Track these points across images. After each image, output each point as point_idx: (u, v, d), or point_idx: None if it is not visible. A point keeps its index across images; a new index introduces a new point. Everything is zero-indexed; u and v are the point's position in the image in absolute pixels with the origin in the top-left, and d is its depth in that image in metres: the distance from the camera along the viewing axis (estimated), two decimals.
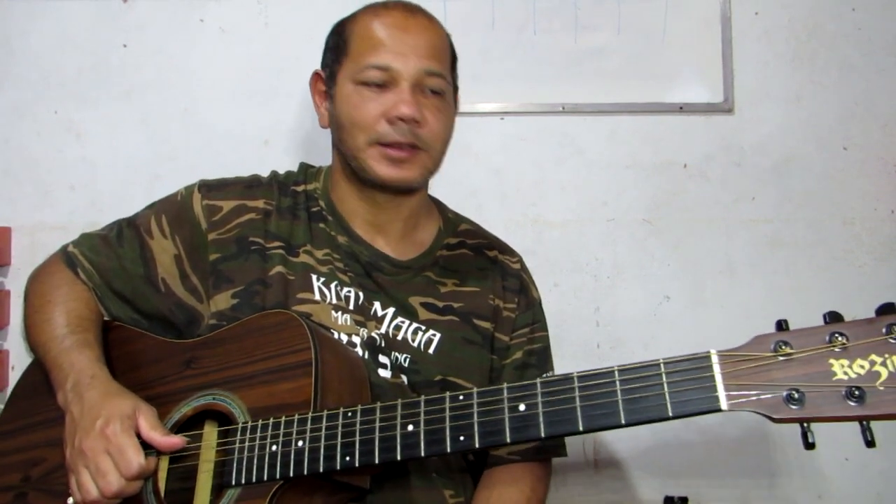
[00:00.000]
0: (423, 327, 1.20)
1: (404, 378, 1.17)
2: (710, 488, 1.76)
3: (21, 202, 1.76)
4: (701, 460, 1.77)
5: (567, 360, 1.61)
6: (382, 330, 1.18)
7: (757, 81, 1.81)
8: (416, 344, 1.19)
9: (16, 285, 1.71)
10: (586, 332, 1.78)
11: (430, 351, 1.19)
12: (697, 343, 1.73)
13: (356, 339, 1.15)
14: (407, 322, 1.19)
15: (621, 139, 1.80)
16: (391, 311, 1.19)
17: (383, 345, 1.17)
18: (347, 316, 1.16)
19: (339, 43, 1.20)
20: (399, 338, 1.18)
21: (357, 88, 1.15)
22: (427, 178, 1.20)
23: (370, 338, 1.16)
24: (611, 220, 1.80)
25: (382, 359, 1.16)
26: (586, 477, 1.76)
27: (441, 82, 1.16)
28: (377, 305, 1.19)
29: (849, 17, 1.82)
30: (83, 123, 1.77)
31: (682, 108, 1.80)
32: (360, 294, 1.18)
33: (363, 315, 1.18)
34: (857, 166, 1.81)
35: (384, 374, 1.16)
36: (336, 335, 1.14)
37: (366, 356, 1.15)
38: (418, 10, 1.19)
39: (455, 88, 1.25)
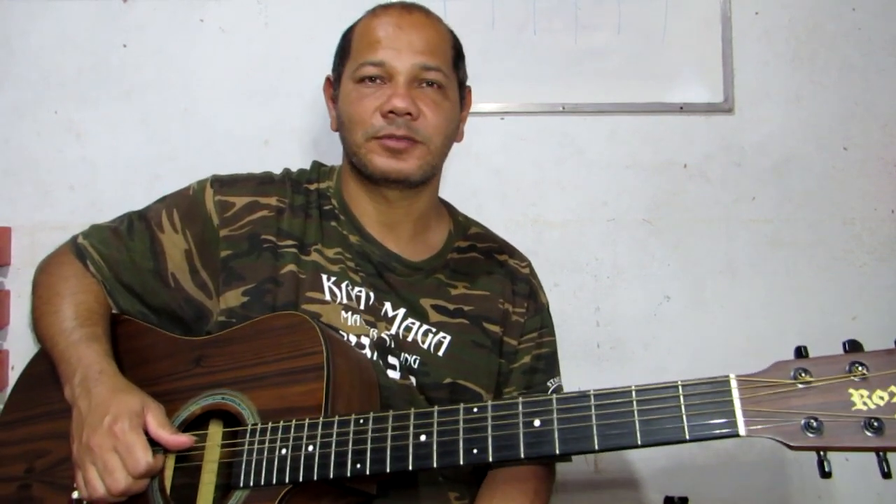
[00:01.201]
0: (434, 329, 1.19)
1: (413, 379, 1.17)
2: (710, 489, 1.75)
3: (21, 202, 1.76)
4: (701, 462, 1.77)
5: (567, 360, 1.60)
6: (392, 331, 1.18)
7: (757, 81, 1.81)
8: (425, 346, 1.18)
9: (16, 285, 1.71)
10: (586, 332, 1.78)
11: (440, 353, 1.19)
12: (698, 343, 1.76)
13: (365, 340, 1.15)
14: (417, 324, 1.19)
15: (621, 139, 1.80)
16: (402, 311, 1.19)
17: (393, 346, 1.17)
18: (357, 316, 1.16)
19: (343, 46, 1.22)
20: (409, 339, 1.18)
21: (356, 86, 1.16)
22: (428, 172, 1.19)
23: (380, 338, 1.16)
24: (611, 220, 1.80)
25: (392, 360, 1.16)
26: (587, 479, 1.76)
27: (438, 75, 1.16)
28: (388, 306, 1.19)
29: (849, 17, 1.82)
30: (83, 123, 1.77)
31: (683, 108, 1.80)
32: (371, 294, 1.18)
33: (373, 315, 1.17)
34: (857, 166, 1.81)
35: (393, 375, 1.15)
36: (345, 336, 1.14)
37: (375, 357, 1.14)
38: (416, 8, 1.20)
39: (461, 84, 1.25)
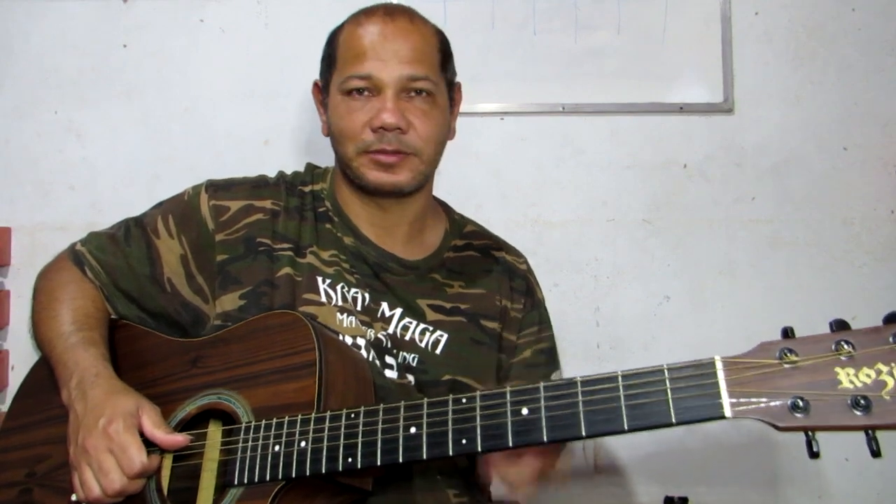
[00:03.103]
0: (431, 328, 1.20)
1: (411, 378, 1.17)
2: (710, 489, 1.76)
3: (21, 202, 1.76)
4: (700, 462, 1.77)
5: (567, 359, 1.60)
6: (390, 330, 1.18)
7: (757, 81, 1.81)
8: (423, 344, 1.19)
9: (16, 285, 1.71)
10: (586, 332, 1.78)
11: (438, 351, 1.19)
12: (698, 343, 1.76)
13: (361, 341, 1.15)
14: (414, 323, 1.19)
15: (621, 139, 1.80)
16: (399, 311, 1.20)
17: (390, 345, 1.17)
18: (353, 318, 1.16)
19: (329, 54, 1.21)
20: (407, 338, 1.19)
21: (344, 99, 1.16)
22: (421, 180, 1.19)
23: (377, 339, 1.16)
24: (611, 220, 1.80)
25: (389, 360, 1.16)
26: (586, 478, 1.76)
27: (426, 84, 1.15)
28: (384, 306, 1.20)
29: (849, 17, 1.82)
30: (83, 123, 1.77)
31: (682, 108, 1.80)
32: (367, 295, 1.19)
33: (370, 316, 1.18)
34: (857, 166, 1.81)
35: (390, 374, 1.16)
36: (341, 337, 1.14)
37: (371, 357, 1.15)
38: (399, 13, 1.18)
39: (450, 84, 1.24)
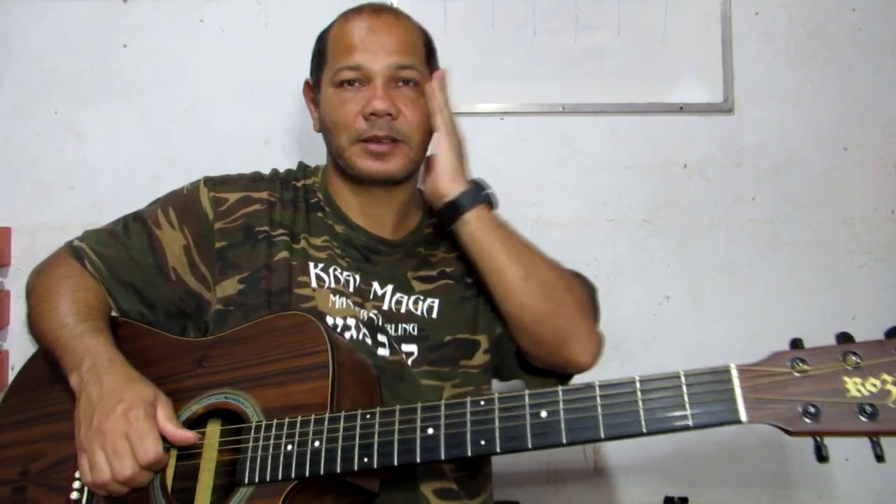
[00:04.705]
0: (422, 297, 1.24)
1: (413, 348, 1.20)
2: (710, 489, 1.76)
3: (21, 202, 1.76)
4: (700, 462, 1.77)
5: None
6: (384, 307, 1.22)
7: (757, 81, 1.81)
8: (419, 312, 1.23)
9: (16, 285, 1.72)
10: None
11: (434, 316, 1.23)
12: (698, 343, 1.76)
13: (351, 322, 1.18)
14: (406, 296, 1.24)
15: (621, 139, 1.80)
16: (390, 287, 1.24)
17: (381, 322, 1.20)
18: (345, 299, 1.20)
19: (320, 51, 1.27)
20: (403, 311, 1.22)
21: (336, 91, 1.21)
22: (411, 168, 1.24)
23: (368, 318, 1.19)
24: (611, 220, 1.80)
25: (381, 338, 1.19)
26: (586, 478, 1.76)
27: (413, 73, 1.21)
28: (376, 285, 1.23)
29: (849, 17, 1.82)
30: (83, 123, 1.77)
31: (682, 108, 1.80)
32: (358, 277, 1.23)
33: (362, 297, 1.21)
34: (857, 166, 1.81)
35: (383, 352, 1.18)
36: (333, 319, 1.17)
37: (362, 336, 1.17)
38: (385, 10, 1.26)
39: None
